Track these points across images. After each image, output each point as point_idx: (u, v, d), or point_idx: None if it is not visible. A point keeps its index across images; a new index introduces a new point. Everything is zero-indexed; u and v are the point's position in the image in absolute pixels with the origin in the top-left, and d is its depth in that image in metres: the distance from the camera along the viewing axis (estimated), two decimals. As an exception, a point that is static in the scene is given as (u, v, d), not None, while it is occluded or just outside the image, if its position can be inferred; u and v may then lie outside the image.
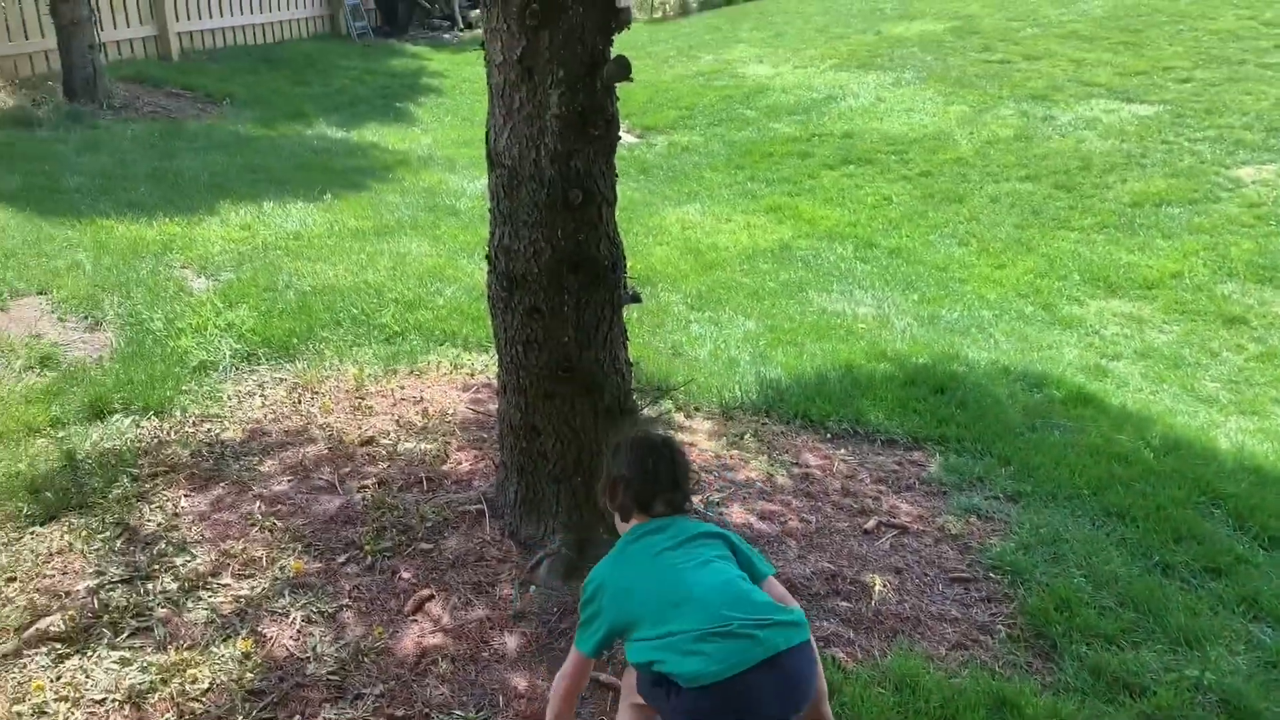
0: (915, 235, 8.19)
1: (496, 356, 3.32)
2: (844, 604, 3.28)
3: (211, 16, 13.14)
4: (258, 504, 3.60)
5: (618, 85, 2.94)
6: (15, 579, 3.13)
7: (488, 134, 3.09)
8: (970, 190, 9.00)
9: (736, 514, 3.74)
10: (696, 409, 4.69)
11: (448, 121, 11.44)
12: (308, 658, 2.85)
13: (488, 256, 3.19)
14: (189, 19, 12.76)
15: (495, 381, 4.78)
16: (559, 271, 3.04)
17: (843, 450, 4.41)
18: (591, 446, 3.22)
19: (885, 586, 3.39)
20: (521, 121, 2.93)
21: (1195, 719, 2.85)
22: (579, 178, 2.96)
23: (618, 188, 3.12)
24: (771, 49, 14.04)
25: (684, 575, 2.17)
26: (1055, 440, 4.63)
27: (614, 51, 2.89)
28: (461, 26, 16.41)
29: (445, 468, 3.90)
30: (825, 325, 6.09)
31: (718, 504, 3.78)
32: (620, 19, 2.92)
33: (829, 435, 4.54)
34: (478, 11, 17.06)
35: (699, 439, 4.36)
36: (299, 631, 2.95)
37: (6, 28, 10.39)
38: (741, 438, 4.41)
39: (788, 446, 4.39)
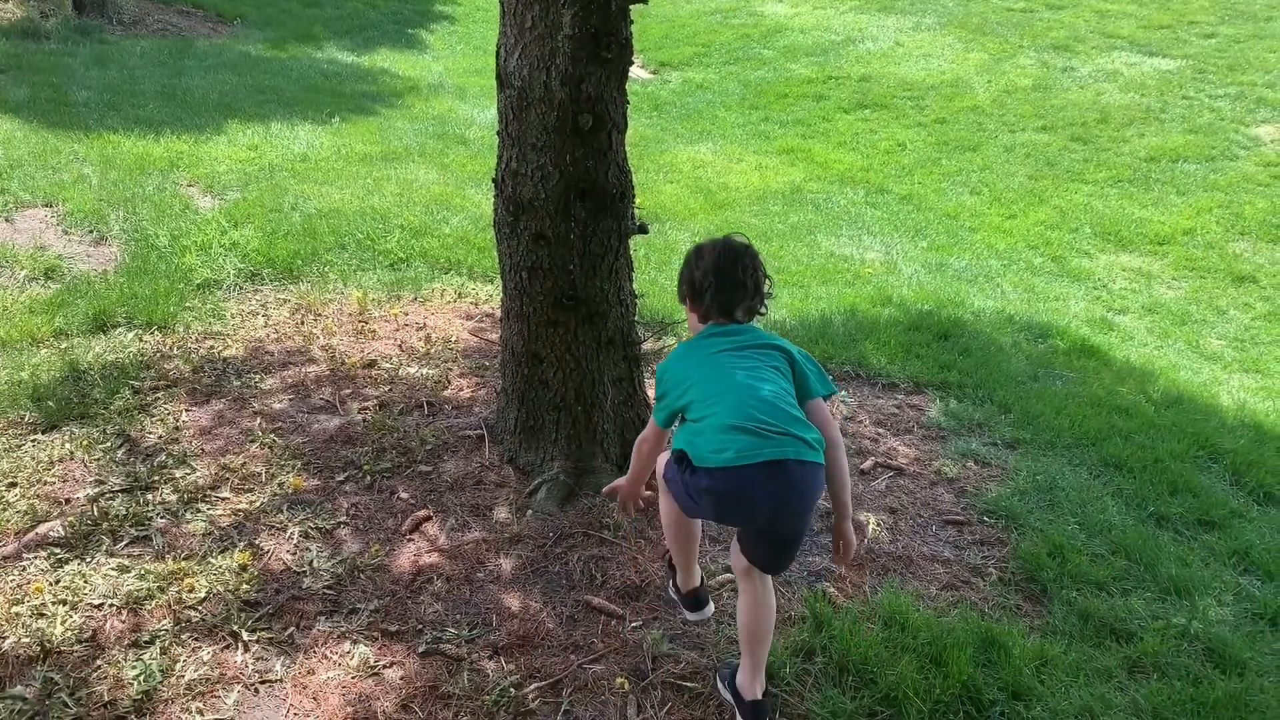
0: (927, 182, 8.11)
1: (501, 284, 3.30)
2: (838, 541, 3.29)
3: (223, -67, 12.89)
4: (258, 420, 3.61)
5: (632, 11, 2.89)
6: (16, 484, 3.16)
7: (498, 53, 3.04)
8: (985, 139, 8.90)
9: (735, 450, 3.75)
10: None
11: (459, 49, 11.29)
12: (304, 572, 2.88)
13: (495, 180, 3.16)
14: (200, -65, 12.52)
15: (498, 311, 4.78)
16: (566, 198, 3.01)
17: (844, 392, 4.40)
18: (592, 376, 3.22)
19: (879, 526, 3.40)
20: (533, 41, 2.89)
21: (1180, 665, 2.88)
22: (590, 102, 2.91)
23: (629, 123, 3.07)
24: (791, -12, 13.79)
25: (731, 375, 2.29)
26: (1057, 390, 4.63)
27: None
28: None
29: (446, 393, 3.91)
30: (832, 269, 6.05)
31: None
32: (636, -60, 2.85)
33: (831, 378, 4.53)
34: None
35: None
36: (296, 546, 2.98)
37: (14, -64, 10.21)
38: (743, 376, 4.40)
39: (789, 386, 4.38)
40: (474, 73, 10.20)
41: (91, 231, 5.15)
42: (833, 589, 3.04)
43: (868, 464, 3.79)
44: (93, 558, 2.85)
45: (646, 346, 3.54)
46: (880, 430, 4.10)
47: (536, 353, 3.22)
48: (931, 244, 6.87)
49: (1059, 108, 9.35)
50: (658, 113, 9.60)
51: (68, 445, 3.37)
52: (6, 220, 5.12)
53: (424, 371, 4.06)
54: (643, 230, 3.24)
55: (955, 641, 2.81)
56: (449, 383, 3.99)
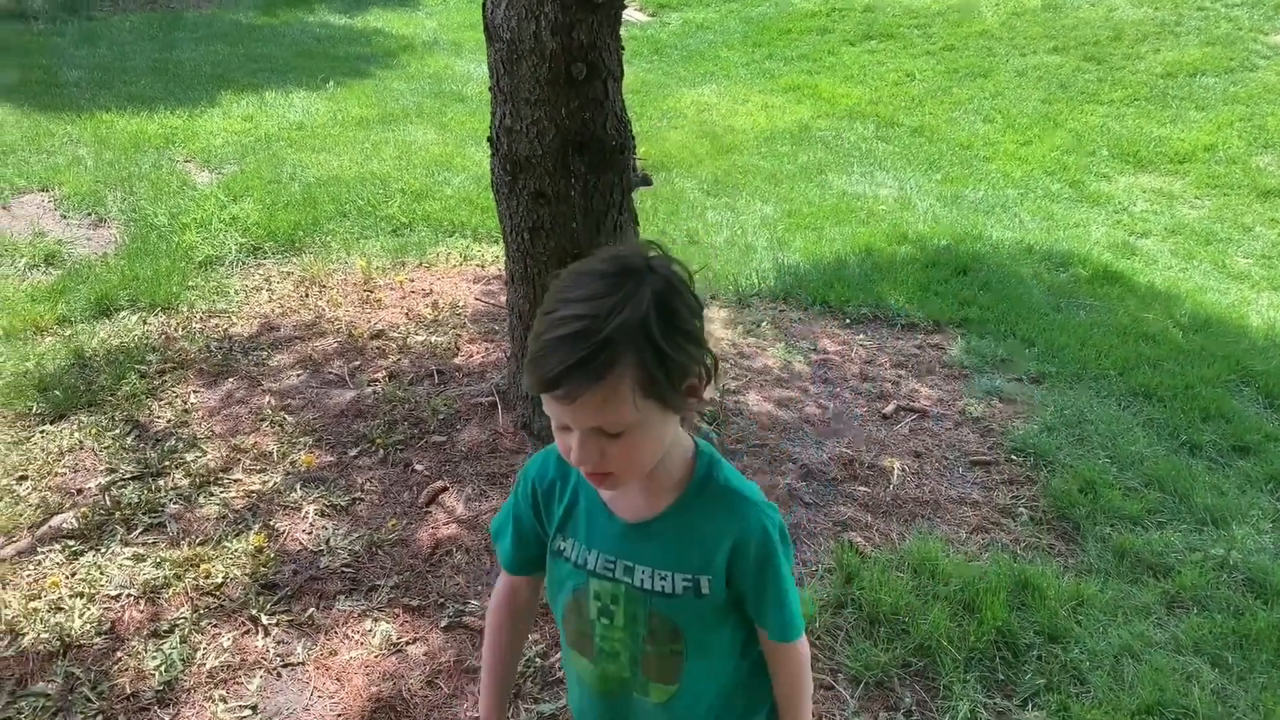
0: (939, 113, 7.92)
1: (504, 246, 3.21)
2: (862, 489, 3.23)
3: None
4: (268, 398, 3.55)
5: (622, -49, 2.76)
6: (27, 477, 3.12)
7: (484, 5, 2.92)
8: (996, 64, 8.67)
9: (753, 401, 3.68)
10: (712, 297, 4.59)
11: (453, 3, 11.09)
12: (321, 551, 2.83)
13: (489, 139, 3.06)
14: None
15: (505, 273, 4.70)
16: (564, 153, 2.90)
17: (861, 335, 4.31)
18: (603, 334, 3.13)
19: (904, 470, 3.33)
20: (520, -9, 2.77)
21: (1220, 598, 2.81)
22: (582, 50, 2.80)
23: (629, 70, 2.96)
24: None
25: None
26: (1081, 320, 4.52)
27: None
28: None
29: (456, 360, 3.84)
30: (845, 208, 5.92)
31: (733, 393, 3.71)
32: (622, -123, 2.72)
33: (848, 320, 4.44)
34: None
35: (715, 328, 4.26)
36: (312, 525, 2.93)
37: (-5, -84, 10.04)
38: (758, 325, 4.32)
39: (805, 333, 4.30)
40: (469, 27, 10.00)
41: (90, 214, 5.08)
42: (859, 538, 2.97)
43: (889, 408, 3.71)
44: (107, 548, 2.81)
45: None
46: (901, 372, 4.01)
47: (544, 315, 3.13)
48: (946, 176, 6.71)
49: (1070, 27, 9.09)
50: (658, 56, 9.40)
51: (77, 434, 3.33)
52: (3, 207, 5.06)
53: (433, 339, 3.99)
54: (646, 183, 3.14)
55: (988, 586, 2.75)
56: (458, 349, 3.92)
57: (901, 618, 2.64)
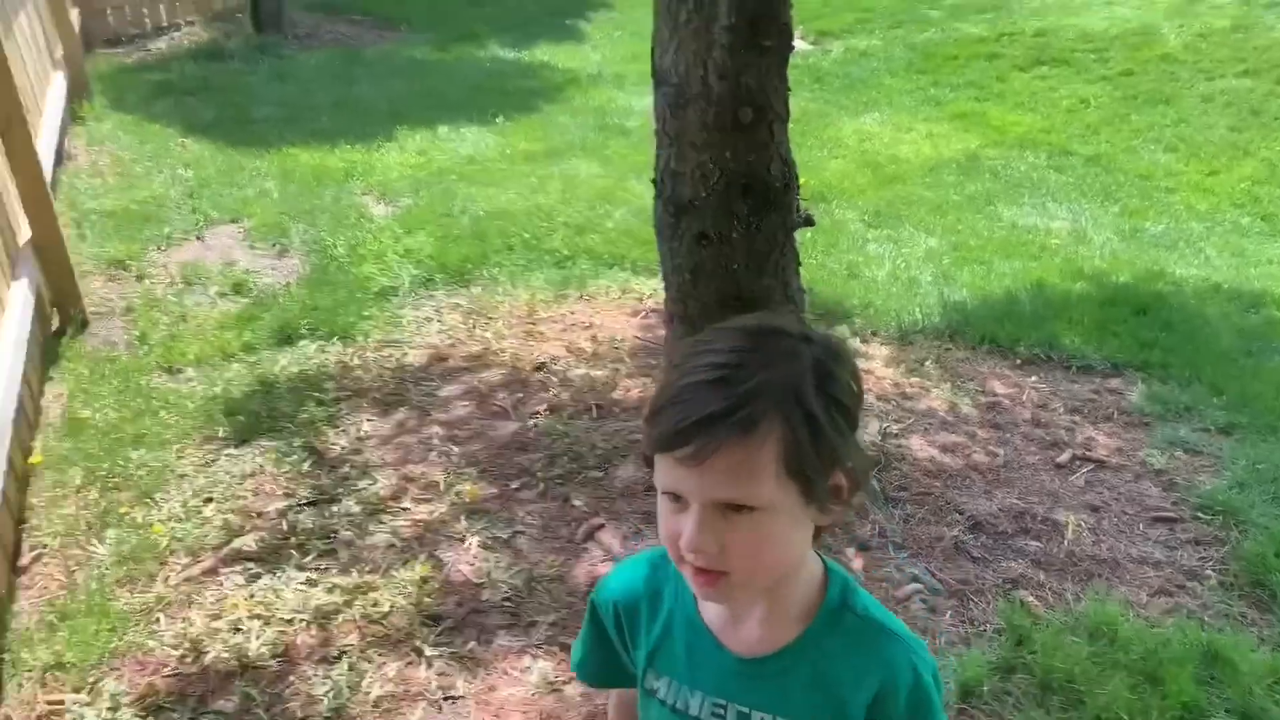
0: (1116, 141, 7.56)
1: (663, 284, 3.22)
2: (1034, 544, 3.09)
3: (387, -59, 13.29)
4: (436, 429, 3.67)
5: (791, -9, 2.75)
6: (212, 499, 3.30)
7: (652, 50, 2.95)
8: (1179, 90, 8.23)
9: (917, 446, 3.57)
10: (873, 333, 4.49)
11: (617, 37, 11.26)
12: (483, 584, 2.89)
13: (654, 181, 3.09)
14: (366, -55, 12.95)
15: (664, 308, 4.73)
16: (729, 196, 2.90)
17: (1034, 377, 4.13)
18: (763, 376, 3.10)
19: (1080, 526, 3.17)
20: (688, 35, 2.78)
21: None
22: (749, 94, 2.79)
23: (790, 100, 2.94)
24: (957, -57, 13.15)
25: None
26: (1276, 366, 4.21)
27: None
28: (630, -63, 16.05)
29: (615, 395, 3.87)
30: (1015, 241, 5.71)
31: (896, 436, 3.61)
32: (793, -80, 2.71)
33: (1018, 361, 4.27)
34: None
35: (876, 365, 4.17)
36: (475, 557, 3.00)
37: (199, -36, 10.82)
38: (922, 364, 4.20)
39: (973, 373, 4.15)
40: (631, 59, 10.14)
41: (275, 245, 5.37)
42: (1031, 598, 2.84)
43: (1064, 457, 3.54)
44: (283, 572, 2.95)
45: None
46: (1076, 418, 3.83)
47: (704, 355, 3.13)
48: (1124, 208, 6.39)
49: (1263, 49, 8.55)
50: (819, 85, 9.31)
51: (259, 459, 3.51)
52: (199, 238, 5.41)
53: (592, 373, 4.04)
54: (809, 223, 3.10)
55: (1173, 656, 2.59)
56: (617, 384, 3.95)
57: (1077, 686, 2.51)
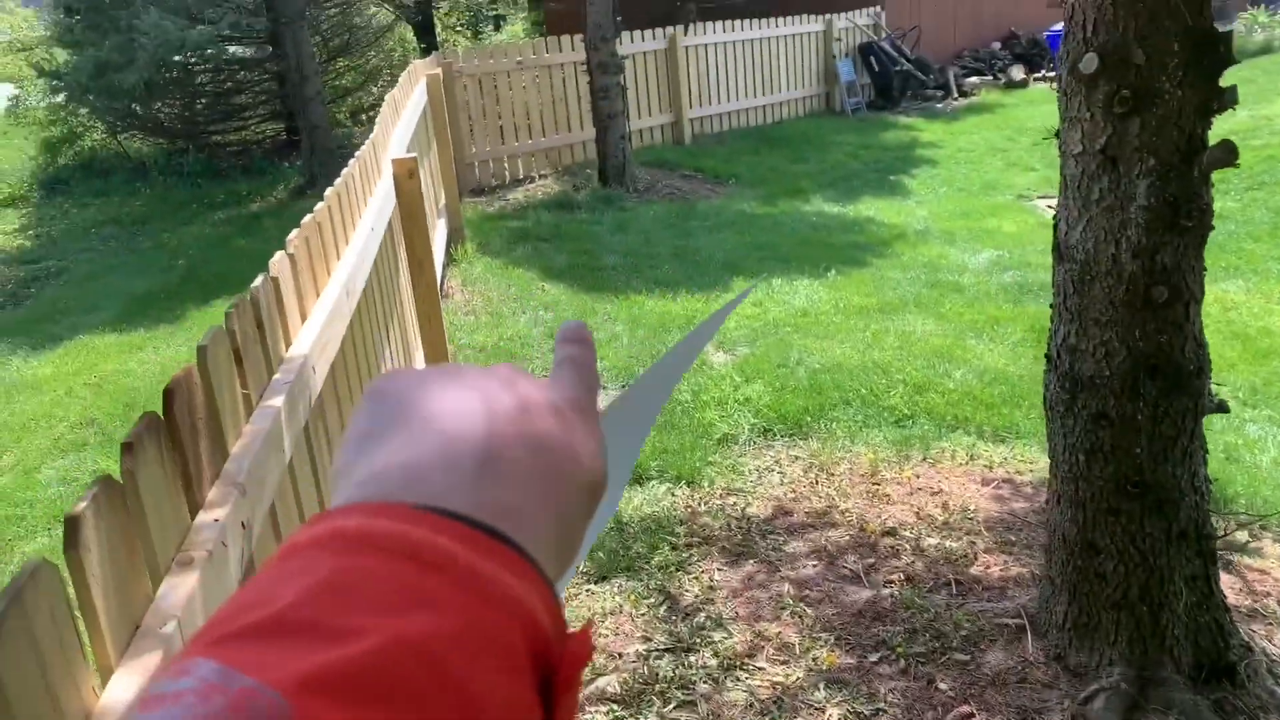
0: None
1: (1050, 463, 3.08)
2: None
3: (719, 102, 14.15)
4: (787, 586, 3.65)
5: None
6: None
7: (1056, 225, 2.91)
8: None
9: (1333, 665, 3.14)
10: (1262, 528, 4.06)
11: (942, 193, 11.25)
12: (845, 759, 2.80)
13: (1047, 355, 2.99)
14: (700, 106, 13.85)
15: (1016, 477, 4.52)
16: (1134, 376, 2.76)
17: None
18: (1161, 573, 2.87)
19: None
20: (1100, 214, 2.72)
21: None
22: (1165, 273, 2.68)
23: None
24: (1324, 100, 12.20)
25: None
26: None
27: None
28: (955, 95, 16.16)
29: (973, 570, 3.71)
30: None
31: (1307, 650, 3.20)
32: (1224, 99, 2.62)
33: None
34: (974, 79, 16.72)
35: (1271, 565, 3.75)
36: (834, 729, 2.92)
37: (555, 123, 11.97)
38: (1327, 568, 3.73)
39: (1394, 585, 3.64)
40: (959, 215, 10.08)
41: (624, 385, 5.66)
42: None
43: None
44: (645, 717, 2.99)
45: (1223, 541, 3.11)
46: None
47: (1093, 543, 2.94)
48: None
49: None
50: (1168, 249, 8.81)
51: (617, 598, 3.63)
52: (556, 377, 5.80)
53: (946, 544, 3.90)
54: (1221, 409, 2.89)
55: None
56: (975, 558, 3.79)
57: None
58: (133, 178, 14.03)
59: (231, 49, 15.35)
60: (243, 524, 1.66)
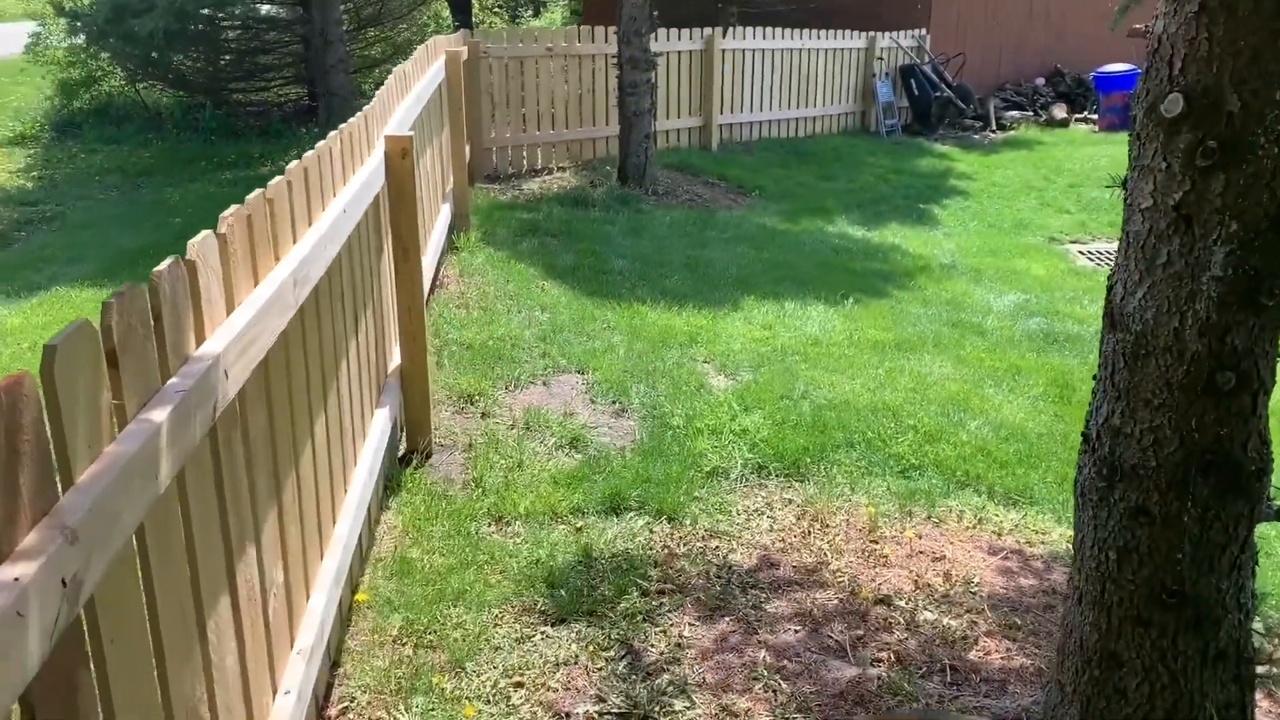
0: None
1: (1075, 555, 2.70)
2: None
3: (751, 110, 13.78)
4: (763, 653, 3.28)
5: None
6: (522, 685, 3.07)
7: (1110, 287, 2.53)
8: None
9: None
10: (1295, 636, 3.67)
11: (972, 227, 10.85)
12: None
13: (1084, 434, 2.62)
14: (731, 112, 13.48)
15: (1027, 548, 4.14)
16: (1185, 469, 2.38)
17: None
18: (1191, 697, 2.49)
19: None
20: (1165, 280, 2.34)
21: None
22: (1234, 356, 2.30)
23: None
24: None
25: None
26: None
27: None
28: (994, 128, 15.74)
29: (972, 656, 3.33)
30: None
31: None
32: (1326, 162, 2.23)
33: None
34: (1014, 113, 16.30)
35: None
36: (798, 835, 2.55)
37: (580, 115, 11.61)
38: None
39: None
40: (988, 253, 9.69)
41: (615, 402, 5.30)
42: None
43: None
44: (586, 796, 2.63)
45: (1263, 668, 2.73)
46: None
47: (1116, 654, 2.57)
48: None
49: None
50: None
51: (573, 646, 3.27)
52: (545, 385, 5.44)
53: (944, 620, 3.52)
54: (1279, 518, 2.50)
55: None
56: (975, 642, 3.41)
57: None
58: (147, 128, 13.73)
59: (264, 9, 15.05)
60: (63, 581, 1.29)
